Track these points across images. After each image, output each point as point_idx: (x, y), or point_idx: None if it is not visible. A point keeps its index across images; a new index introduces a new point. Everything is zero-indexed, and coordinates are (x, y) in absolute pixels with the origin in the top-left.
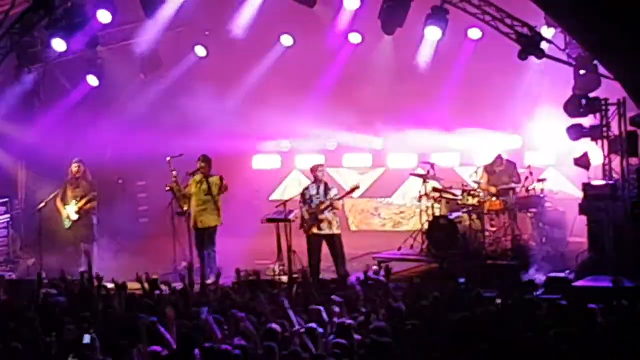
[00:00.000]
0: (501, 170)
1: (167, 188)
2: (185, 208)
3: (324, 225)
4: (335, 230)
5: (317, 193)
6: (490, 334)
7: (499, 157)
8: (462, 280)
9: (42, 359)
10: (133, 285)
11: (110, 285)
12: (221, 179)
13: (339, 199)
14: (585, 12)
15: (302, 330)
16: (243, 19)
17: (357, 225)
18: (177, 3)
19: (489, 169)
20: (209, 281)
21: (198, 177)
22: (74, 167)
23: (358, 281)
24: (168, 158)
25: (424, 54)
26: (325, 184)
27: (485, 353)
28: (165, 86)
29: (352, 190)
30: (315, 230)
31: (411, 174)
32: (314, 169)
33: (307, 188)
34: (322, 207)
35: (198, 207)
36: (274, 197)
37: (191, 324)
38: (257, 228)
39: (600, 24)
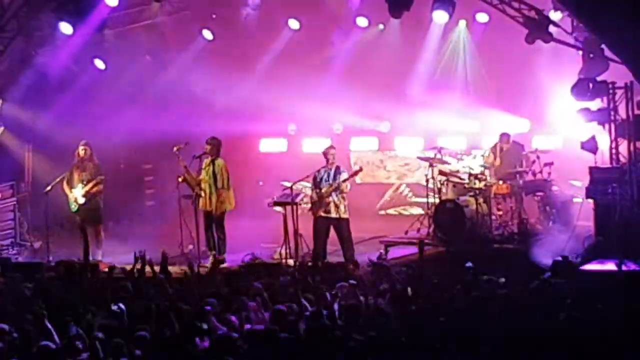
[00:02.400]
0: (508, 149)
1: (180, 179)
2: (203, 195)
3: (330, 208)
4: (343, 215)
5: (327, 176)
6: (499, 319)
7: (505, 134)
8: (469, 264)
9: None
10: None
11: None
12: (225, 166)
13: (343, 181)
14: None
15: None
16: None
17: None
18: None
19: (494, 149)
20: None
21: (207, 160)
22: (80, 150)
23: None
24: (175, 148)
25: (431, 38)
26: (337, 168)
27: (493, 338)
28: (172, 70)
29: (356, 173)
30: (322, 213)
31: (419, 158)
32: (325, 152)
33: (318, 171)
34: (330, 190)
35: (206, 190)
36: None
37: (194, 309)
38: (264, 211)
39: (607, 7)
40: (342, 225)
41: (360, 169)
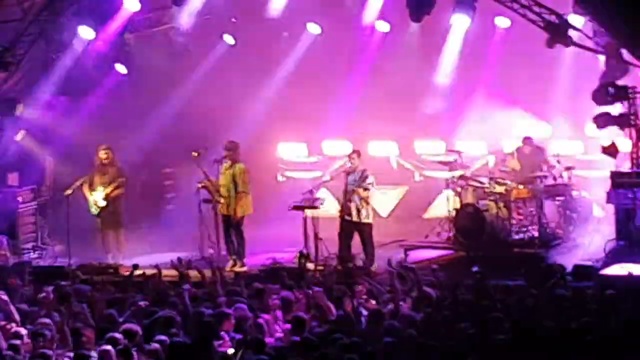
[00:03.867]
0: (530, 152)
1: (200, 186)
2: (222, 201)
3: (352, 212)
4: (364, 219)
5: (354, 180)
6: (513, 323)
7: (528, 138)
8: (475, 268)
9: None
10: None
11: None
12: (244, 169)
13: (363, 187)
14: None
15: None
16: (274, 5)
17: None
18: None
19: (517, 152)
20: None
21: (226, 164)
22: (102, 154)
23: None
24: (194, 154)
25: (452, 43)
26: (363, 171)
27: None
28: (193, 74)
29: (371, 182)
30: (345, 216)
31: (440, 162)
32: (348, 156)
33: (346, 174)
34: (352, 193)
35: (225, 194)
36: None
37: (212, 312)
38: (284, 215)
39: (628, 12)
40: (363, 230)
41: (368, 175)
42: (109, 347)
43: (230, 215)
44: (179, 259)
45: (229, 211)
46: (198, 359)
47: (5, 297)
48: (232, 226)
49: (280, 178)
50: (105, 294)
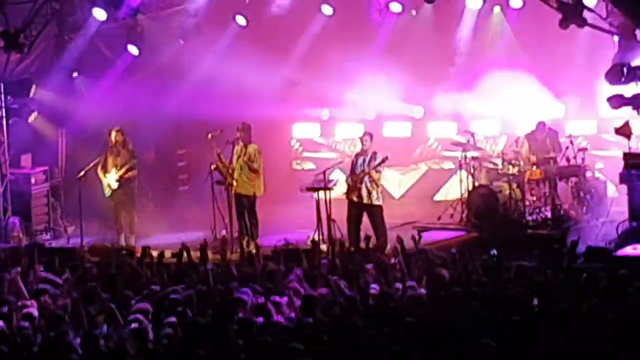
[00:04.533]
0: (543, 138)
1: (213, 167)
2: (235, 183)
3: (362, 194)
4: (375, 201)
5: (363, 162)
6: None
7: (542, 123)
8: (494, 252)
9: None
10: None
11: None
12: (258, 150)
13: (373, 167)
14: None
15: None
16: None
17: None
18: None
19: (530, 137)
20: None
21: (239, 146)
22: (114, 136)
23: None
24: (209, 135)
25: (465, 25)
26: (373, 153)
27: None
28: (206, 55)
29: (384, 160)
30: (354, 198)
31: (452, 143)
32: (360, 138)
33: (355, 156)
34: (361, 175)
35: (238, 176)
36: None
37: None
38: (297, 196)
39: None
40: (374, 212)
41: (387, 157)
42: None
43: (243, 196)
44: (183, 244)
45: (242, 192)
46: (217, 338)
47: (14, 277)
48: (245, 207)
49: (295, 166)
50: (119, 275)
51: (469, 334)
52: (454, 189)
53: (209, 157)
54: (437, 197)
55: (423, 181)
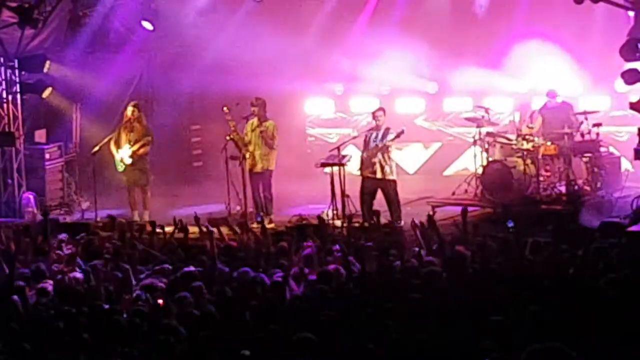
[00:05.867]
0: (555, 107)
1: (229, 138)
2: (247, 155)
3: (376, 169)
4: (389, 176)
5: (376, 137)
6: (542, 281)
7: (552, 92)
8: (511, 224)
9: None
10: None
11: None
12: (275, 127)
13: (388, 142)
14: None
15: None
16: None
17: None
18: None
19: (542, 110)
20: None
21: (254, 121)
22: (129, 111)
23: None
24: (225, 108)
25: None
26: (386, 129)
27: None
28: (221, 30)
29: (399, 135)
30: (367, 173)
31: (465, 118)
32: (373, 114)
33: (368, 132)
34: (375, 150)
35: (254, 150)
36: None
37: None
38: (310, 172)
39: None
40: (388, 187)
41: (403, 131)
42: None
43: (257, 171)
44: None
45: (257, 167)
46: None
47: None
48: (260, 182)
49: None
50: (129, 250)
51: (488, 312)
52: (465, 164)
53: (224, 130)
54: (446, 172)
55: (437, 156)
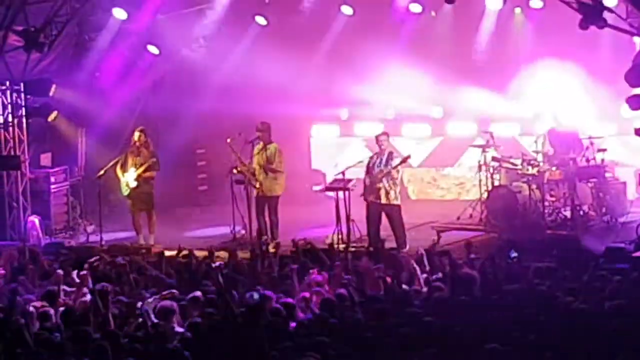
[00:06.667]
0: (561, 133)
1: (236, 171)
2: (257, 186)
3: (381, 194)
4: (394, 201)
5: (380, 162)
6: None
7: (559, 122)
8: (513, 254)
9: None
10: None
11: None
12: (278, 149)
13: (393, 168)
14: None
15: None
16: None
17: (417, 194)
18: None
19: (548, 136)
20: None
21: (259, 145)
22: (136, 136)
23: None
24: (229, 140)
25: (486, 26)
26: (390, 153)
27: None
28: (225, 54)
29: (404, 160)
30: (372, 198)
31: (470, 146)
32: (377, 138)
33: (371, 156)
34: (380, 175)
35: (260, 175)
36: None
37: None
38: (315, 196)
39: None
40: (392, 212)
41: (409, 156)
42: None
43: (264, 195)
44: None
45: (263, 192)
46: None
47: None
48: (267, 207)
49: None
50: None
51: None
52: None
53: (228, 158)
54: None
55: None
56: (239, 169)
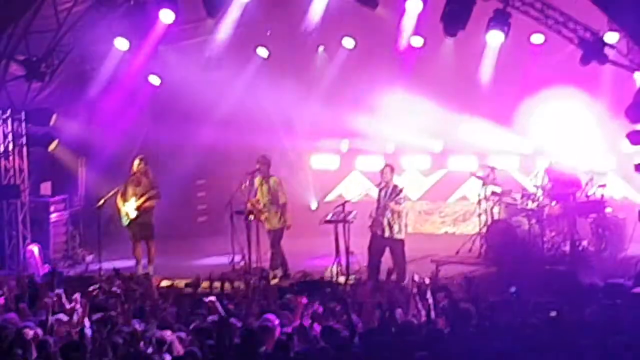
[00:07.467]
0: (560, 172)
1: (252, 218)
2: (263, 219)
3: (384, 227)
4: (397, 235)
5: (385, 195)
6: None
7: (558, 160)
8: (513, 289)
9: None
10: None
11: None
12: (278, 182)
13: (389, 201)
14: None
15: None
16: (309, 19)
17: (413, 227)
18: (240, 3)
19: (545, 174)
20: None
21: (258, 179)
22: (135, 164)
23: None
24: (242, 186)
25: (487, 60)
26: (394, 187)
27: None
28: (227, 86)
29: (398, 193)
30: (377, 231)
31: (472, 174)
32: (380, 171)
33: (380, 189)
34: (384, 209)
35: (263, 208)
36: (329, 198)
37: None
38: (315, 229)
39: None
40: (395, 247)
41: (401, 189)
42: None
43: (273, 229)
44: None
45: (271, 225)
46: None
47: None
48: (270, 238)
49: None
50: (132, 304)
51: None
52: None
53: (227, 187)
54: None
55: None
56: (253, 213)
